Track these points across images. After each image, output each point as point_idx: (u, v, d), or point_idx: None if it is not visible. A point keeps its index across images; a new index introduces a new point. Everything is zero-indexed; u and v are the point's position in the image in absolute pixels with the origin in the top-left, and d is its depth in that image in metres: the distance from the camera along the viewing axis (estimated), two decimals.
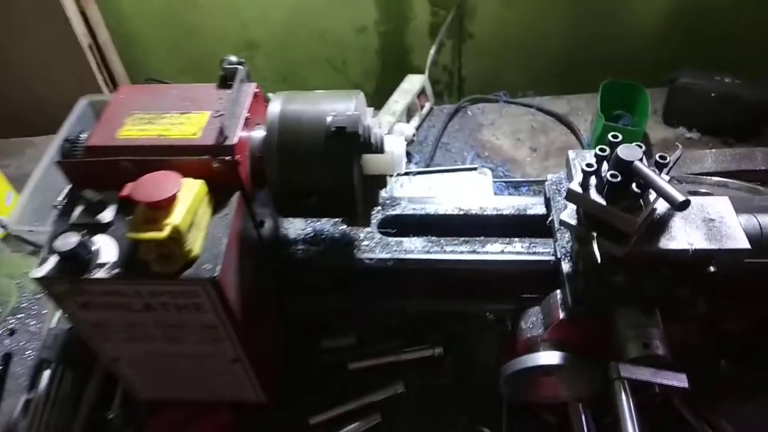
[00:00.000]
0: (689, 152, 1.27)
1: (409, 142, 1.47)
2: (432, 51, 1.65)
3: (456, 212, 0.93)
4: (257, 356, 0.83)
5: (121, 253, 0.70)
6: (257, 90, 0.81)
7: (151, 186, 0.66)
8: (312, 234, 0.92)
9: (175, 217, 0.65)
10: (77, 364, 0.99)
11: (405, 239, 0.90)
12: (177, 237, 0.66)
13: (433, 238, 0.90)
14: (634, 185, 0.66)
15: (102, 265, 0.69)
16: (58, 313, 1.13)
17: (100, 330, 0.77)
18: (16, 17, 1.61)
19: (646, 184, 0.65)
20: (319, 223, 0.93)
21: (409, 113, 1.52)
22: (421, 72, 1.57)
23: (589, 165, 0.68)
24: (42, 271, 0.69)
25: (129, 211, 0.69)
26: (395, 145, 0.79)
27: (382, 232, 0.92)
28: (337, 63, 1.87)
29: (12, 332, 1.18)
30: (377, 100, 1.41)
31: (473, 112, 1.60)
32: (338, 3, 1.71)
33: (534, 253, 0.86)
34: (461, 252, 0.87)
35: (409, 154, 1.46)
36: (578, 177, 0.70)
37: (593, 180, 0.70)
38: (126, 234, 0.67)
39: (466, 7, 1.69)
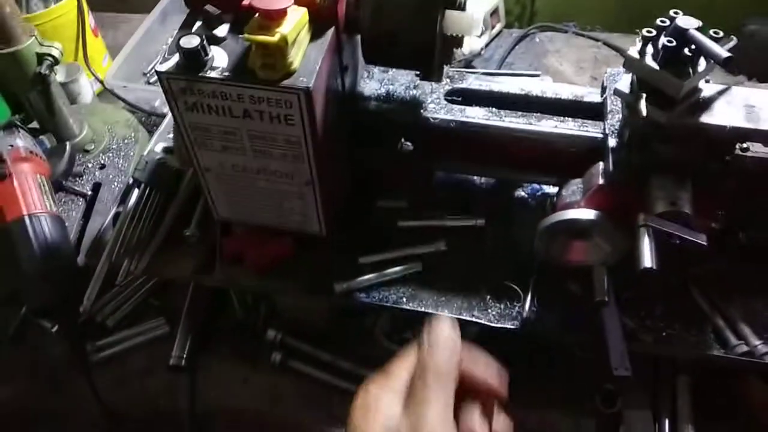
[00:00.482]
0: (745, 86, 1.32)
1: (477, 55, 1.55)
2: None
3: (518, 92, 1.02)
4: (326, 186, 0.94)
5: (231, 62, 0.82)
6: None
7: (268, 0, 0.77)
8: (385, 93, 1.03)
9: (285, 28, 0.76)
10: (163, 186, 1.14)
11: (468, 107, 1.00)
12: (283, 46, 0.77)
13: (494, 109, 0.99)
14: (686, 50, 0.74)
15: (215, 68, 0.81)
16: (140, 144, 1.27)
17: (201, 134, 0.89)
18: None
19: (698, 49, 0.73)
20: (392, 85, 1.04)
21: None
22: None
23: (648, 31, 0.76)
24: (165, 66, 0.82)
25: (240, 30, 0.80)
26: (476, 8, 0.88)
27: (448, 100, 1.02)
28: None
29: (102, 166, 1.34)
30: None
31: (541, 39, 1.67)
32: None
33: (585, 131, 0.95)
34: (519, 123, 0.97)
35: (474, 68, 1.55)
36: (637, 45, 0.78)
37: (650, 49, 0.78)
38: (243, 36, 0.78)
39: None
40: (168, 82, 0.83)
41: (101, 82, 1.53)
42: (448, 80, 1.05)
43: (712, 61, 0.75)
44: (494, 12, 1.63)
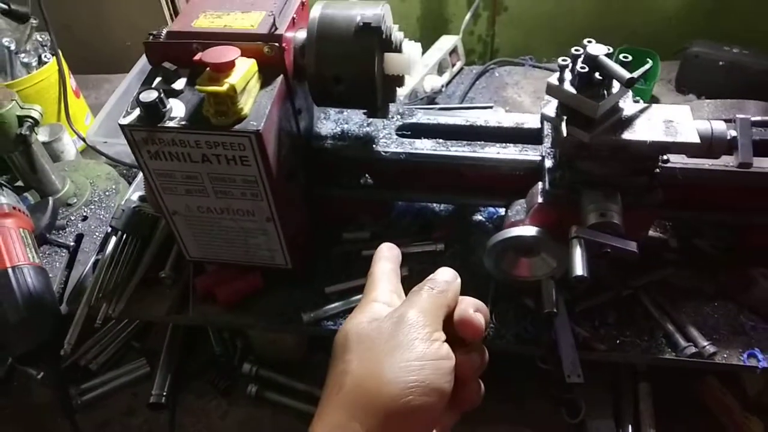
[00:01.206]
0: (689, 102, 1.39)
1: (438, 93, 1.64)
2: (467, 17, 1.81)
3: (463, 123, 1.09)
4: (287, 221, 1.01)
5: (188, 111, 0.89)
6: (304, 0, 0.99)
7: (217, 54, 0.85)
8: (340, 132, 1.10)
9: (233, 78, 0.84)
10: (139, 232, 1.20)
11: (417, 140, 1.07)
12: (233, 95, 0.84)
13: (441, 140, 1.06)
14: (597, 74, 0.81)
15: (173, 118, 0.89)
16: (122, 195, 1.34)
17: (166, 180, 0.96)
18: None
19: (607, 73, 0.80)
20: (346, 124, 1.11)
21: (440, 69, 1.69)
22: None
23: (564, 59, 0.84)
24: (127, 119, 0.89)
25: (196, 81, 0.88)
26: (412, 49, 0.96)
27: (399, 135, 1.09)
28: None
29: (85, 218, 1.41)
30: None
31: (500, 73, 1.76)
32: None
33: (525, 155, 1.02)
34: (464, 151, 1.04)
35: (437, 104, 1.63)
36: (556, 73, 0.85)
37: (568, 75, 0.85)
38: (195, 87, 0.85)
39: None
40: (131, 134, 0.90)
41: (83, 139, 1.61)
42: (399, 116, 1.12)
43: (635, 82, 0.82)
44: (453, 51, 1.73)
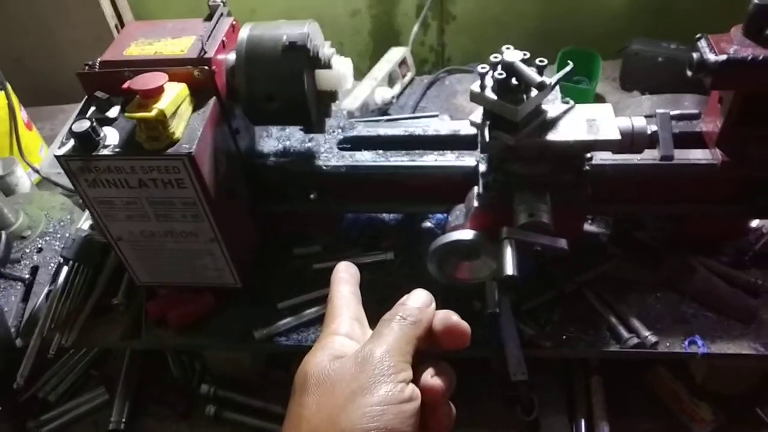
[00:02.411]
0: (630, 99, 1.43)
1: (390, 105, 1.66)
2: (415, 28, 1.85)
3: (402, 133, 1.12)
4: (232, 240, 1.02)
5: (122, 138, 0.90)
6: (234, 22, 1.01)
7: (144, 80, 0.86)
8: (282, 149, 1.12)
9: (162, 103, 0.85)
10: (90, 261, 1.20)
11: (358, 153, 1.09)
12: (162, 119, 0.86)
13: (381, 152, 1.08)
14: (514, 79, 0.84)
15: (107, 146, 0.90)
16: (76, 224, 1.34)
17: (106, 207, 0.97)
18: (55, 2, 1.86)
19: (522, 79, 0.83)
20: (288, 141, 1.13)
21: (391, 80, 1.72)
22: None
23: (483, 67, 0.86)
24: (62, 150, 0.90)
25: (126, 108, 0.89)
26: (342, 65, 0.98)
27: (340, 148, 1.11)
28: (335, 44, 2.06)
29: (40, 250, 1.40)
30: None
31: (450, 81, 1.79)
32: None
33: (462, 161, 1.04)
34: (402, 161, 1.06)
35: (390, 115, 1.65)
36: (477, 81, 0.88)
37: (489, 82, 0.87)
38: (125, 114, 0.87)
39: None
40: (67, 164, 0.91)
41: (37, 171, 1.61)
42: (340, 130, 1.14)
43: (548, 85, 0.85)
44: (403, 62, 1.75)
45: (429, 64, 2.10)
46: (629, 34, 1.69)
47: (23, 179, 1.60)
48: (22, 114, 1.64)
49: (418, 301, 0.55)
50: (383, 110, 1.65)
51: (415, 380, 0.50)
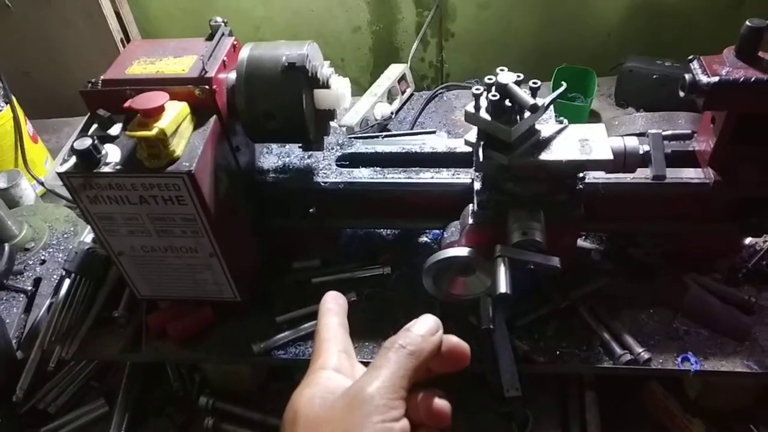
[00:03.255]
0: (625, 117, 1.45)
1: (389, 120, 1.68)
2: (415, 45, 1.87)
3: (399, 150, 1.13)
4: (231, 255, 1.03)
5: (123, 156, 0.92)
6: (235, 42, 1.04)
7: (145, 99, 0.89)
8: (282, 165, 1.14)
9: (163, 122, 0.87)
10: (92, 274, 1.22)
11: (356, 170, 1.11)
12: (163, 138, 0.88)
13: (378, 168, 1.10)
14: (507, 101, 0.85)
15: (108, 164, 0.92)
16: (80, 237, 1.36)
17: (108, 223, 0.99)
18: (62, 16, 1.89)
19: (515, 100, 0.85)
20: (288, 158, 1.15)
21: (391, 96, 1.74)
22: None
23: (477, 89, 0.88)
24: (64, 167, 0.92)
25: (127, 127, 0.91)
26: (341, 84, 1.00)
27: (338, 165, 1.13)
28: (336, 60, 2.11)
29: (43, 261, 1.42)
30: None
31: (448, 97, 1.81)
32: (335, 5, 1.95)
33: (457, 178, 1.06)
34: (399, 178, 1.07)
35: (389, 130, 1.68)
36: (472, 101, 0.90)
37: (484, 102, 0.89)
38: (126, 133, 0.89)
39: (447, 8, 1.92)
40: (69, 180, 0.93)
41: (41, 183, 1.63)
42: (339, 147, 1.16)
43: (541, 107, 0.87)
44: (402, 79, 1.78)
45: (428, 80, 2.12)
46: (624, 51, 1.71)
47: (28, 191, 1.62)
48: (27, 127, 1.67)
49: (422, 328, 0.53)
50: (382, 125, 1.67)
51: (409, 407, 0.49)
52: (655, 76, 1.58)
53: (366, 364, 0.56)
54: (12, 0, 1.87)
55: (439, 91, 1.82)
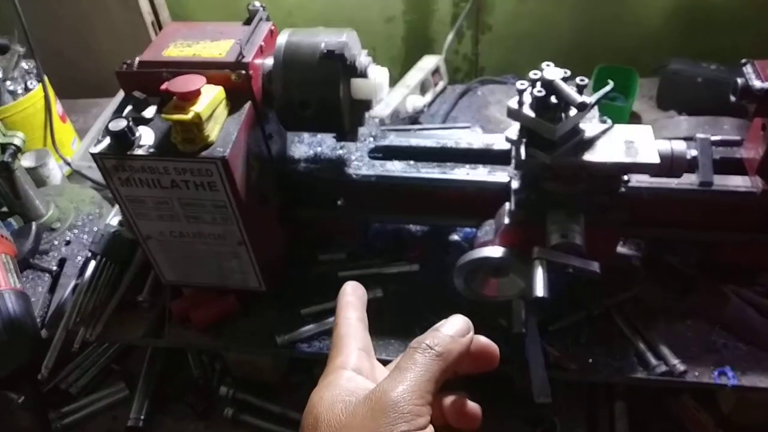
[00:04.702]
0: (668, 120, 1.41)
1: (421, 113, 1.65)
2: (450, 37, 1.84)
3: (434, 144, 1.11)
4: (259, 244, 1.02)
5: (157, 139, 0.91)
6: (273, 27, 1.02)
7: (182, 83, 0.87)
8: (313, 155, 1.12)
9: (198, 106, 0.86)
10: (118, 257, 1.21)
11: (389, 162, 1.08)
12: (198, 122, 0.86)
13: (412, 162, 1.08)
14: (553, 98, 0.82)
15: (142, 146, 0.90)
16: (105, 219, 1.36)
17: (137, 206, 0.98)
18: None
19: (562, 97, 0.81)
20: (319, 147, 1.13)
21: (423, 89, 1.71)
22: None
23: (522, 84, 0.85)
24: (98, 148, 0.91)
25: (163, 110, 0.90)
26: (378, 74, 0.98)
27: (371, 157, 1.10)
28: (368, 49, 2.07)
29: (68, 242, 1.42)
30: None
31: (483, 92, 1.78)
32: None
33: (493, 176, 1.03)
34: (433, 173, 1.05)
35: (420, 123, 1.65)
36: (515, 97, 0.87)
37: (527, 98, 0.86)
38: (161, 116, 0.87)
39: (485, 0, 1.88)
40: (102, 161, 0.92)
41: (69, 164, 1.63)
42: (372, 139, 1.14)
43: (588, 105, 0.83)
44: (436, 71, 1.75)
45: (462, 73, 2.08)
46: (665, 53, 1.66)
47: (55, 171, 1.62)
48: (57, 107, 1.67)
49: (452, 328, 0.50)
50: (414, 118, 1.64)
51: (435, 411, 0.47)
52: (699, 80, 1.53)
53: (386, 362, 0.54)
54: None
55: (473, 86, 1.78)
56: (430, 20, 1.97)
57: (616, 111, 1.52)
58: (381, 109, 1.57)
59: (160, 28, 1.98)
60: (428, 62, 1.74)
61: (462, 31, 1.94)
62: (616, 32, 1.86)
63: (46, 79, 1.60)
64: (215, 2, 2.01)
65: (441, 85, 1.77)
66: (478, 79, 1.79)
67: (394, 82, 1.70)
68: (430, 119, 1.68)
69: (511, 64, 1.98)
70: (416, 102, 1.64)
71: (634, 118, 1.58)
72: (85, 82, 1.98)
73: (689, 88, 1.56)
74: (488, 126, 1.64)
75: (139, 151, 0.90)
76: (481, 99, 1.76)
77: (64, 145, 1.69)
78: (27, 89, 1.58)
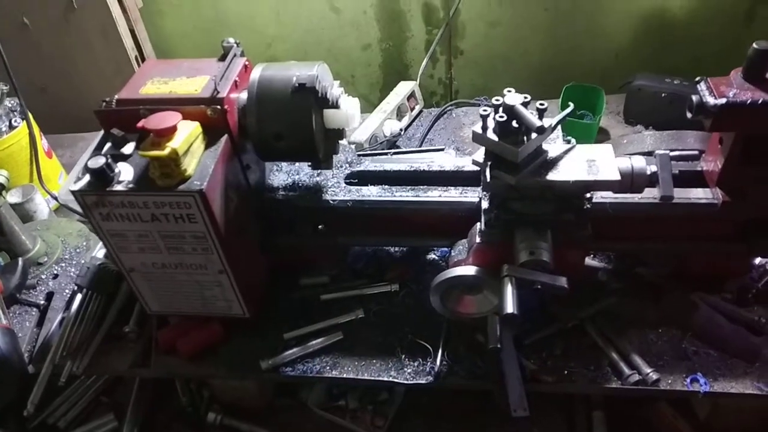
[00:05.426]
0: (633, 135, 1.45)
1: (398, 137, 1.69)
2: (424, 62, 1.89)
3: (408, 168, 1.14)
4: (241, 272, 1.05)
5: (136, 174, 0.94)
6: (247, 63, 1.06)
7: (158, 120, 0.90)
8: (291, 183, 1.15)
9: (175, 142, 0.89)
10: (104, 290, 1.23)
11: (364, 188, 1.12)
12: (175, 157, 0.89)
13: (387, 186, 1.11)
14: (514, 122, 0.86)
15: (121, 182, 0.93)
16: (92, 251, 1.38)
17: (119, 240, 1.00)
18: (78, 34, 1.93)
19: (523, 122, 0.86)
20: (297, 175, 1.16)
21: (400, 113, 1.75)
22: None
23: (484, 110, 0.89)
24: (78, 185, 0.94)
25: (140, 146, 0.93)
26: (350, 105, 1.02)
27: (347, 183, 1.14)
28: (347, 77, 2.13)
29: (55, 276, 1.44)
30: None
31: (457, 114, 1.82)
32: (346, 24, 1.98)
33: (465, 197, 1.07)
34: (407, 196, 1.08)
35: (398, 147, 1.69)
36: (479, 122, 0.91)
37: (491, 123, 0.90)
38: (138, 153, 0.90)
39: (456, 26, 1.94)
40: (82, 198, 0.95)
41: (55, 198, 1.65)
42: (348, 165, 1.17)
43: (548, 129, 0.87)
44: (411, 96, 1.79)
45: (437, 97, 2.14)
46: (633, 69, 1.71)
47: (42, 206, 1.65)
48: (42, 143, 1.69)
49: None
50: (392, 142, 1.68)
51: None
52: (663, 94, 1.58)
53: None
54: (30, 18, 1.90)
55: (447, 108, 1.83)
56: (405, 47, 2.03)
57: (585, 128, 1.57)
58: (359, 134, 1.61)
59: (144, 61, 2.03)
60: (404, 88, 1.79)
61: (436, 56, 2.00)
62: (585, 52, 1.92)
63: (30, 116, 1.63)
64: (198, 37, 2.06)
65: (417, 108, 1.81)
66: (453, 102, 1.84)
67: (373, 106, 1.75)
68: (407, 142, 1.72)
69: (485, 86, 2.04)
70: (393, 126, 1.68)
71: (603, 134, 1.63)
72: (71, 117, 2.01)
73: (654, 103, 1.62)
74: (463, 147, 1.69)
75: (118, 187, 0.93)
76: (456, 121, 1.80)
77: (51, 180, 1.71)
78: (12, 127, 1.61)
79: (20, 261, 1.39)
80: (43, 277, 1.44)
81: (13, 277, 1.37)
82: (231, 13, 1.99)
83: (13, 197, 1.57)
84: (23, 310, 1.37)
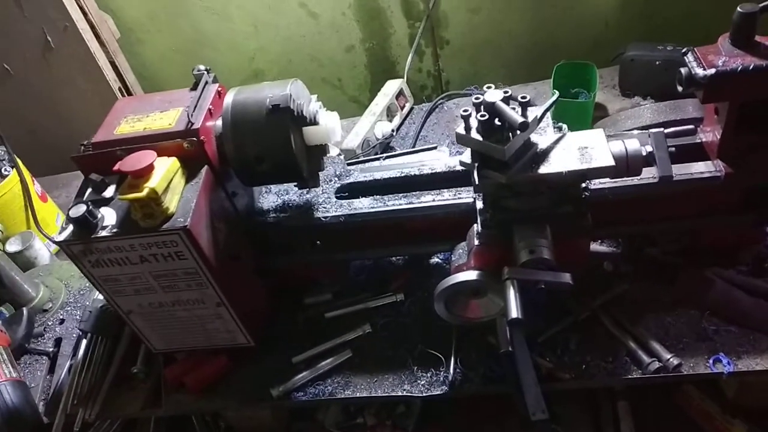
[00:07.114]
0: (631, 110, 1.41)
1: (391, 138, 1.66)
2: (409, 58, 1.85)
3: (398, 175, 1.11)
4: (239, 301, 1.02)
5: (119, 218, 0.92)
6: (220, 89, 1.03)
7: (134, 161, 0.88)
8: (281, 204, 1.12)
9: (152, 182, 0.87)
10: (108, 332, 1.22)
11: (356, 200, 1.09)
12: (155, 197, 0.87)
13: (378, 196, 1.08)
14: (496, 120, 0.83)
15: (105, 227, 0.91)
16: (93, 296, 1.36)
17: (112, 284, 0.98)
18: (60, 74, 1.91)
19: (505, 119, 0.82)
20: (287, 195, 1.13)
21: (390, 113, 1.72)
22: None
23: (465, 110, 0.86)
24: (62, 236, 0.92)
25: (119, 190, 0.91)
26: (329, 119, 0.99)
27: (338, 197, 1.11)
28: (333, 80, 2.09)
29: (62, 321, 1.43)
30: None
31: (449, 106, 1.78)
32: (326, 28, 1.94)
33: (459, 198, 1.03)
34: (400, 204, 1.05)
35: (392, 148, 1.66)
36: (461, 123, 0.87)
37: (474, 123, 0.87)
38: (117, 197, 0.88)
39: (437, 17, 1.89)
40: (68, 248, 0.93)
41: (54, 242, 1.64)
42: (337, 178, 1.14)
43: (532, 122, 0.84)
44: (400, 94, 1.76)
45: (428, 90, 2.09)
46: (624, 39, 1.66)
47: (42, 251, 1.64)
48: (36, 187, 1.68)
49: None
50: (385, 144, 1.65)
51: None
52: (657, 62, 1.53)
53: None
54: (12, 64, 1.90)
55: (438, 102, 1.79)
56: (388, 44, 1.99)
57: (580, 107, 1.52)
58: (351, 140, 1.58)
59: (128, 91, 2.01)
60: (391, 87, 1.75)
61: (422, 50, 1.96)
62: (572, 27, 1.87)
63: (20, 162, 1.62)
64: (179, 59, 2.03)
65: (408, 106, 1.78)
66: (443, 95, 1.80)
67: (364, 108, 1.72)
68: (401, 141, 1.69)
69: (475, 74, 1.99)
70: (385, 128, 1.65)
71: (600, 110, 1.58)
72: (63, 156, 1.98)
73: (649, 72, 1.57)
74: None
75: (102, 233, 0.91)
76: (449, 114, 1.76)
77: (48, 224, 1.70)
78: (2, 176, 1.60)
79: (25, 311, 1.39)
80: (50, 323, 1.44)
81: (19, 327, 1.36)
82: (209, 33, 1.97)
83: (12, 246, 1.57)
84: (33, 359, 1.36)
